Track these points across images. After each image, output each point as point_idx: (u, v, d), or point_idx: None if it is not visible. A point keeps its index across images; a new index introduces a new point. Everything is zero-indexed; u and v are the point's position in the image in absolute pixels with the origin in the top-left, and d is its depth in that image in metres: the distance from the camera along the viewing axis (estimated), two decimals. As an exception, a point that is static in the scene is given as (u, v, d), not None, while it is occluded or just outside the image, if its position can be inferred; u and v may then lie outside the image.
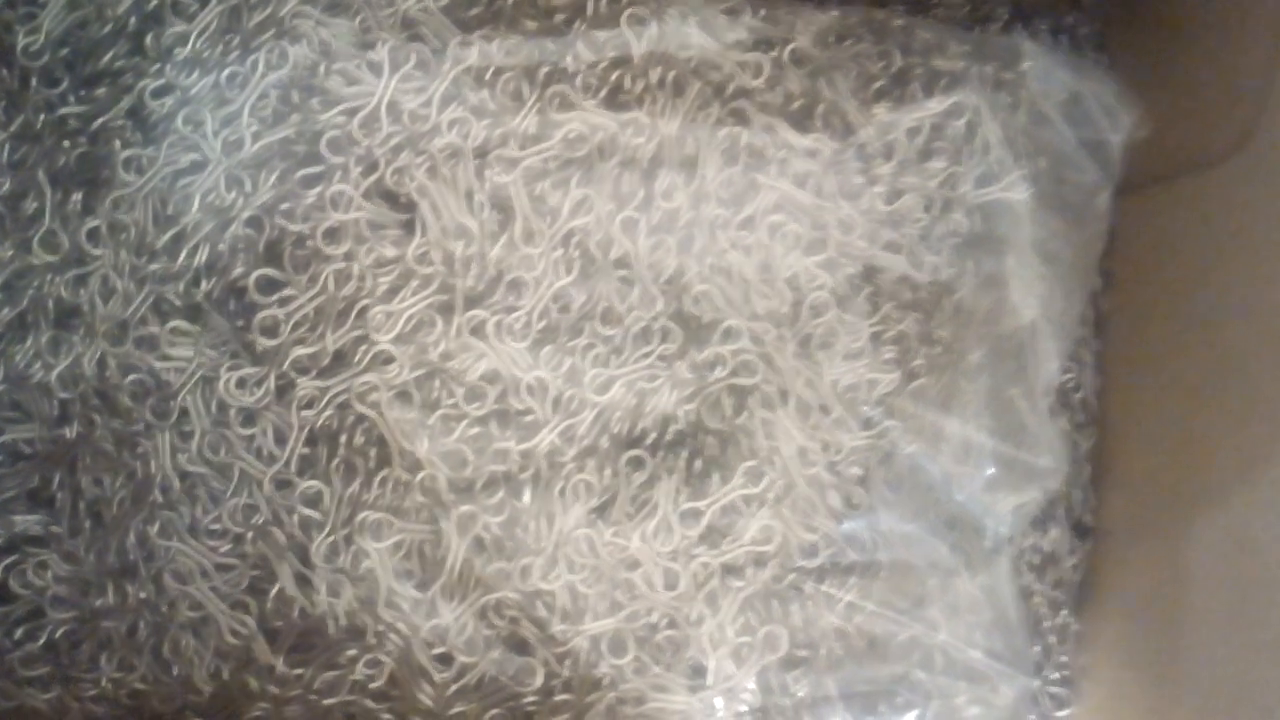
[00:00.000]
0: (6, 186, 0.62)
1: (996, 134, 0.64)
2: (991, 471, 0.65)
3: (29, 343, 0.62)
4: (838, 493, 0.65)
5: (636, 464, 0.62)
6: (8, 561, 0.62)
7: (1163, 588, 0.71)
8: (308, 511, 0.60)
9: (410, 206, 0.62)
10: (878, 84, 0.66)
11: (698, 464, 0.64)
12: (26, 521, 0.63)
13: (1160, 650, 0.69)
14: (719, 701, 0.63)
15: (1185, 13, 0.75)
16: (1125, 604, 0.72)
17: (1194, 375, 0.70)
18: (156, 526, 0.61)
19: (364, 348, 0.60)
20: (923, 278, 0.65)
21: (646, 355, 0.63)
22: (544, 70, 0.63)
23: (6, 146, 0.63)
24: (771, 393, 0.64)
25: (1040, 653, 0.73)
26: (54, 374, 0.62)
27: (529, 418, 0.62)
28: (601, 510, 0.63)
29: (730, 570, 0.64)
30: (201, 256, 0.62)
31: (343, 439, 0.60)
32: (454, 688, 0.61)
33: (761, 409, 0.63)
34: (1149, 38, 0.77)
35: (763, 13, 0.64)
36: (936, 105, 0.64)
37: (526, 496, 0.62)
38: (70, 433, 0.62)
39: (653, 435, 0.63)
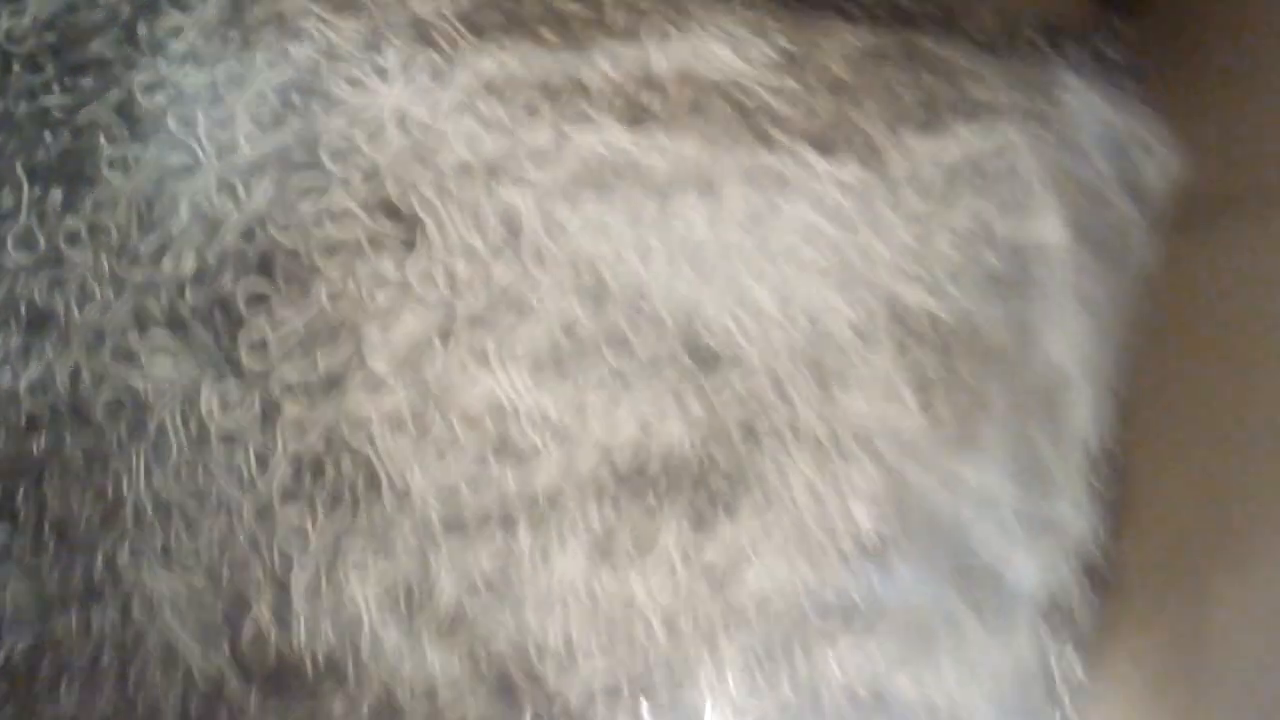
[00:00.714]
0: (-20, 178, 0.56)
1: (1032, 168, 0.61)
2: (1012, 521, 0.60)
3: (-2, 348, 0.55)
4: (849, 536, 0.60)
5: (642, 505, 0.59)
6: (-36, 575, 0.56)
7: (1185, 646, 0.68)
8: (289, 545, 0.57)
9: (414, 222, 0.59)
10: (911, 112, 0.63)
11: (705, 503, 0.61)
12: (-13, 535, 0.56)
13: (1181, 711, 0.65)
14: (717, 755, 0.57)
15: (1227, 40, 0.72)
16: (1144, 662, 0.69)
17: (1225, 426, 0.66)
18: (126, 551, 0.57)
19: (358, 371, 0.58)
20: (949, 316, 0.61)
21: (656, 387, 0.60)
22: (562, 84, 0.60)
23: (-17, 135, 0.57)
24: (785, 430, 0.61)
25: (1054, 710, 0.68)
26: (22, 382, 0.58)
27: (529, 450, 0.59)
28: (602, 550, 0.60)
29: (734, 616, 0.61)
30: (187, 266, 0.59)
31: (330, 468, 0.57)
32: (437, 734, 0.55)
33: (774, 446, 0.60)
34: (1189, 66, 0.73)
35: (795, 33, 0.59)
36: (970, 136, 0.61)
37: (524, 535, 0.59)
38: (37, 445, 0.59)
39: (659, 473, 0.60)
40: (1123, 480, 0.72)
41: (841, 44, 0.63)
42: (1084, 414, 0.64)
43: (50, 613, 0.59)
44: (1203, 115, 0.70)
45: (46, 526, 0.59)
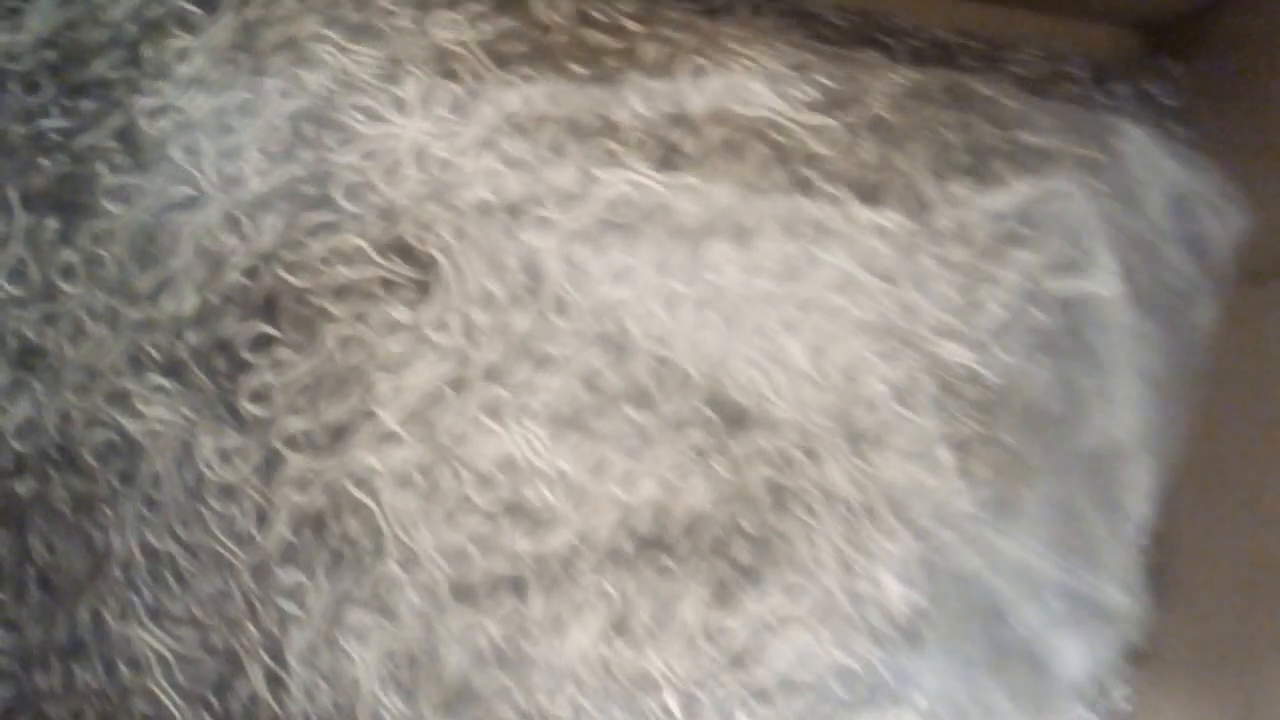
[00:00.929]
0: (-27, 203, 0.54)
1: (1084, 221, 0.58)
2: (1056, 605, 0.57)
3: (-15, 383, 0.53)
4: (878, 609, 0.57)
5: (662, 572, 0.57)
6: (-58, 622, 0.54)
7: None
8: (287, 605, 0.54)
9: (430, 266, 0.56)
10: (958, 158, 0.60)
11: (727, 571, 0.59)
12: (-36, 579, 0.54)
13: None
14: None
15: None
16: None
17: (1274, 502, 0.61)
18: (113, 605, 0.55)
19: (366, 424, 0.55)
20: (992, 375, 0.58)
21: (680, 447, 0.58)
22: (591, 122, 0.57)
23: (-24, 157, 0.54)
24: (814, 493, 0.58)
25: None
26: (10, 421, 0.56)
27: (545, 513, 0.56)
28: (618, 620, 0.57)
29: (758, 697, 0.59)
30: (188, 305, 0.56)
31: (333, 526, 0.55)
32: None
33: (803, 512, 0.58)
34: (1242, 110, 0.71)
35: (835, 71, 0.57)
36: (1020, 185, 0.59)
37: (536, 603, 0.56)
38: (23, 488, 0.57)
39: (680, 537, 0.58)
40: (1169, 554, 0.68)
41: (885, 83, 0.61)
42: (1137, 486, 0.60)
43: (31, 666, 0.57)
44: (1258, 166, 0.66)
45: (31, 576, 0.57)
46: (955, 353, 0.59)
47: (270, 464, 0.55)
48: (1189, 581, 0.70)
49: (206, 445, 0.55)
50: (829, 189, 0.59)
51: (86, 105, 0.58)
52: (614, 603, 0.57)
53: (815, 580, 0.58)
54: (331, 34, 0.57)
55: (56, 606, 0.56)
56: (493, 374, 0.56)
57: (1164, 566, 0.68)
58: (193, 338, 0.56)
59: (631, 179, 0.57)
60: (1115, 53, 0.77)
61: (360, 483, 0.55)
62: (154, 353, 0.56)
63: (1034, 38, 0.72)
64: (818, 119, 0.59)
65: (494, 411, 0.56)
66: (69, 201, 0.57)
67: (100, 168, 0.57)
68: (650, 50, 0.58)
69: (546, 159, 0.57)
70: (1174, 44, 0.77)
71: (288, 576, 0.55)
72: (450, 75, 0.57)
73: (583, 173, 0.57)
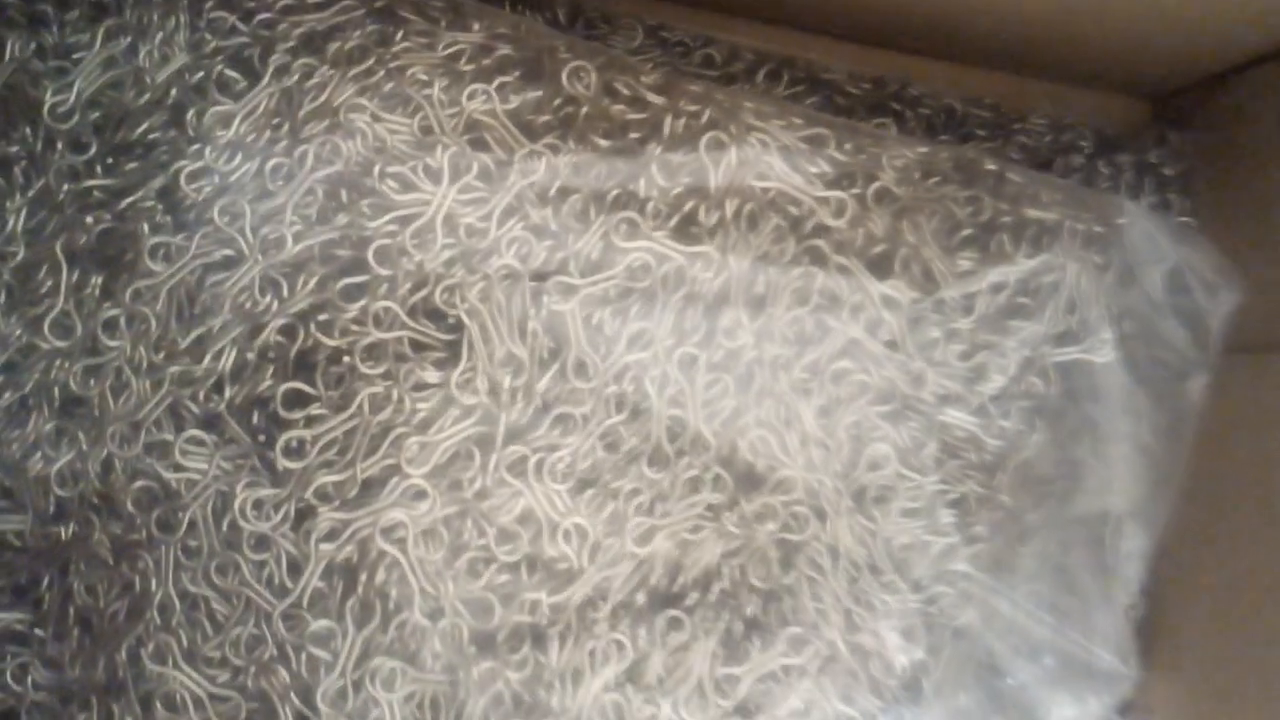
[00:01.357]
0: (20, 256, 0.60)
1: (1085, 294, 0.61)
2: (1050, 662, 0.60)
3: (29, 429, 0.60)
4: (881, 663, 0.60)
5: (674, 624, 0.60)
6: (-13, 659, 0.56)
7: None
8: (317, 651, 0.57)
9: (458, 328, 0.59)
10: (964, 231, 0.63)
11: (738, 625, 0.62)
12: (8, 619, 0.60)
13: None
14: None
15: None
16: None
17: (1267, 570, 0.65)
18: (151, 647, 0.58)
19: (394, 479, 0.58)
20: (993, 441, 0.61)
21: (694, 504, 0.61)
22: (613, 193, 0.60)
23: (23, 212, 0.60)
24: (821, 549, 0.61)
25: None
26: (54, 468, 0.59)
27: (563, 566, 0.59)
28: (632, 672, 0.60)
29: (763, 746, 0.58)
30: (227, 362, 0.59)
31: (362, 576, 0.58)
32: None
33: (810, 567, 0.61)
34: (1238, 187, 0.72)
35: (848, 144, 0.60)
36: (1024, 259, 0.61)
37: (553, 652, 0.59)
38: (65, 532, 0.60)
39: (693, 592, 0.61)
40: (1159, 610, 0.71)
41: (895, 157, 0.63)
42: (1129, 550, 0.63)
43: (71, 704, 0.59)
44: (1248, 239, 0.70)
45: (71, 615, 0.60)
46: (957, 417, 0.62)
47: (303, 516, 0.58)
48: (1177, 637, 0.72)
49: (243, 497, 0.58)
50: (840, 259, 0.62)
51: (130, 166, 0.61)
52: (628, 653, 0.59)
53: (819, 633, 0.62)
54: (367, 103, 0.59)
55: (96, 647, 0.59)
56: (516, 433, 0.59)
57: (1153, 622, 0.70)
58: (230, 393, 0.59)
59: (651, 248, 0.60)
60: (1120, 120, 0.80)
61: (389, 536, 0.57)
62: (193, 406, 0.59)
63: (1041, 106, 0.75)
64: (830, 192, 0.62)
65: (518, 470, 0.58)
66: (112, 258, 0.60)
67: (144, 227, 0.59)
68: (671, 123, 0.61)
69: (571, 227, 0.60)
70: (1177, 114, 0.79)
71: (318, 624, 0.57)
72: (480, 145, 0.60)
73: (605, 241, 0.60)
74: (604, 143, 0.61)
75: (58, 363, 0.59)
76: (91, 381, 0.59)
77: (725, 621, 0.61)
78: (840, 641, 0.62)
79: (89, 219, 0.60)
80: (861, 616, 0.63)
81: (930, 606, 0.63)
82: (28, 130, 0.61)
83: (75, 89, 0.60)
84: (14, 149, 0.60)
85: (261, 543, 0.58)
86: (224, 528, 0.58)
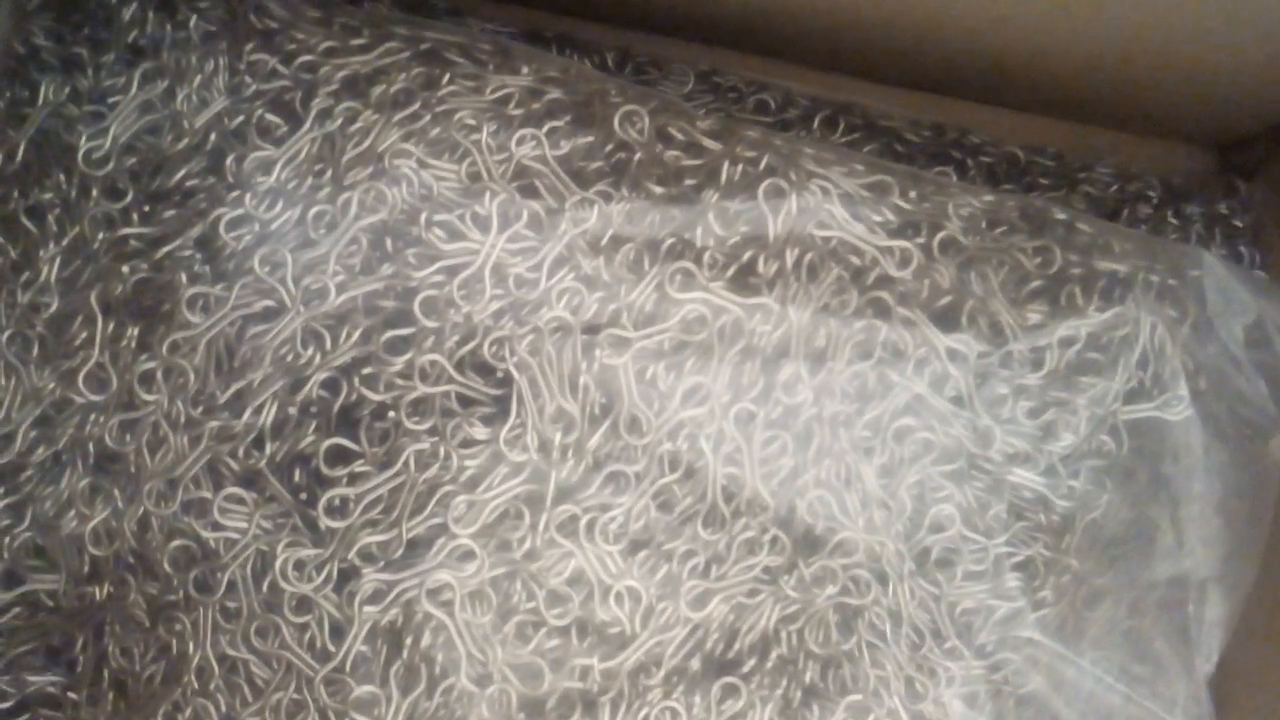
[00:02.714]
0: (53, 307, 0.61)
1: (1159, 348, 0.61)
2: (1122, 730, 0.60)
3: (62, 486, 0.60)
4: (944, 733, 0.59)
5: (729, 691, 0.61)
6: (18, 723, 0.57)
7: None
8: (360, 717, 0.58)
9: (507, 382, 0.60)
10: (1033, 282, 0.63)
11: (797, 693, 0.62)
12: (42, 681, 0.61)
13: None
14: None
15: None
16: None
17: None
18: (188, 712, 0.59)
19: (441, 539, 0.58)
20: (1062, 502, 0.61)
21: (750, 567, 0.61)
22: (668, 241, 0.61)
23: (57, 261, 0.61)
24: (882, 614, 0.62)
25: None
26: (88, 526, 0.60)
27: (615, 630, 0.60)
28: (686, 742, 0.56)
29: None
30: (267, 417, 0.60)
31: (407, 640, 0.58)
32: None
33: (870, 633, 0.61)
34: None
35: (912, 192, 0.60)
36: (1095, 311, 0.61)
37: (605, 720, 0.55)
38: (100, 593, 0.60)
39: (750, 658, 0.62)
40: (1233, 683, 0.71)
41: (961, 205, 0.63)
42: (1207, 617, 0.63)
43: (104, 772, 0.56)
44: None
45: (106, 679, 0.60)
46: (1025, 477, 0.63)
47: (346, 577, 0.58)
48: (1251, 712, 0.71)
49: (283, 556, 0.58)
50: (904, 311, 0.62)
51: (167, 213, 0.61)
52: (683, 723, 0.57)
53: (880, 701, 0.62)
54: (413, 148, 0.60)
55: (131, 711, 0.59)
56: (567, 491, 0.59)
57: (1226, 696, 0.70)
58: (271, 449, 0.59)
59: (708, 299, 0.60)
60: (1186, 170, 0.80)
61: (435, 599, 0.57)
62: (232, 463, 0.59)
63: (1105, 157, 0.75)
64: (894, 242, 0.62)
65: (569, 531, 0.59)
66: (149, 309, 0.61)
67: (181, 276, 0.60)
68: (728, 170, 0.62)
69: (623, 278, 0.60)
70: (1244, 163, 0.80)
71: (361, 689, 0.58)
72: (530, 192, 0.60)
73: (659, 292, 0.60)
74: (658, 190, 0.61)
75: (92, 417, 0.60)
76: (127, 437, 0.59)
77: (783, 689, 0.62)
78: (902, 710, 0.62)
79: (125, 268, 0.61)
80: (924, 684, 0.62)
81: (995, 674, 0.63)
82: (61, 177, 0.61)
83: (110, 134, 0.61)
84: (47, 196, 0.61)
85: (303, 605, 0.58)
86: (264, 589, 0.58)
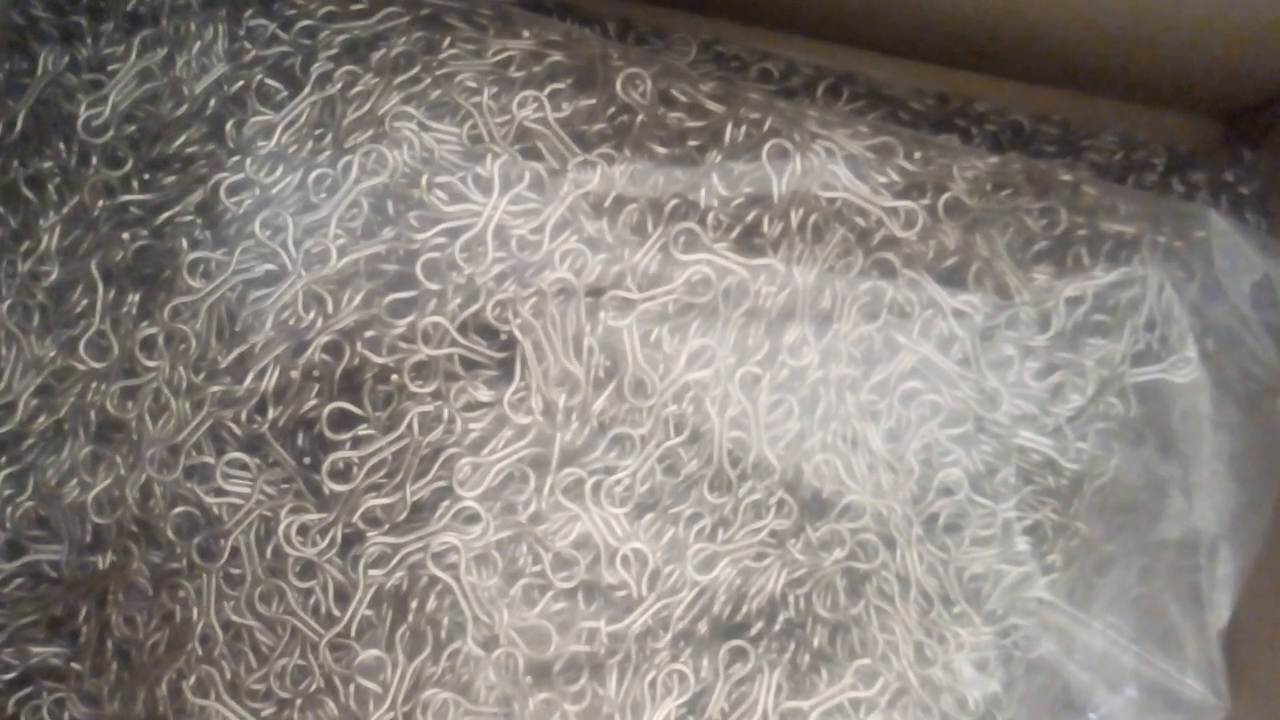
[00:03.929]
0: (54, 275, 0.61)
1: (1166, 309, 0.61)
2: (1133, 694, 0.61)
3: (64, 455, 0.61)
4: (953, 698, 0.61)
5: (737, 655, 0.61)
6: (21, 695, 0.61)
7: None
8: (366, 682, 0.58)
9: (510, 345, 0.60)
10: (1039, 244, 0.64)
11: (804, 657, 0.63)
12: (45, 652, 0.62)
13: None
14: None
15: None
16: None
17: None
18: (192, 679, 0.59)
19: (446, 502, 0.59)
20: (1071, 464, 0.62)
21: (757, 530, 0.62)
22: (671, 203, 0.62)
23: (57, 229, 0.62)
24: (890, 579, 0.63)
25: None
26: (90, 495, 0.61)
27: (621, 594, 0.61)
28: (693, 705, 0.61)
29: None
30: (270, 381, 0.60)
31: (413, 604, 0.59)
32: None
33: (878, 597, 0.62)
34: None
35: (917, 154, 0.61)
36: (1104, 275, 0.61)
37: (612, 684, 0.60)
38: (103, 562, 0.61)
39: (757, 622, 0.62)
40: (1241, 642, 0.72)
41: (968, 167, 0.64)
42: (1218, 576, 0.64)
43: (110, 741, 0.57)
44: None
45: (109, 648, 0.61)
46: (1033, 440, 0.63)
47: (350, 541, 0.59)
48: (1262, 671, 0.72)
49: (287, 521, 0.59)
50: (909, 272, 0.63)
51: (168, 180, 0.62)
52: (689, 684, 0.61)
53: (889, 666, 0.63)
54: (413, 111, 0.61)
55: (136, 680, 0.60)
56: (572, 454, 0.60)
57: (1235, 655, 0.71)
58: (274, 414, 0.60)
59: (712, 260, 0.61)
60: (1191, 139, 0.82)
61: (440, 562, 0.58)
62: (235, 428, 0.60)
63: (1110, 124, 0.77)
64: (899, 203, 0.63)
65: (575, 494, 0.60)
66: (150, 276, 0.62)
67: (182, 242, 0.61)
68: (732, 131, 0.62)
69: (627, 239, 0.61)
70: (1249, 132, 0.81)
71: (367, 653, 0.58)
72: (532, 154, 0.61)
73: (663, 254, 0.61)
74: (661, 151, 0.62)
75: (94, 385, 0.61)
76: (129, 404, 0.60)
77: (791, 653, 0.62)
78: (911, 674, 0.62)
79: (125, 235, 0.62)
80: (933, 649, 0.63)
81: (1005, 638, 0.64)
82: (61, 145, 0.62)
83: (110, 102, 0.62)
84: (47, 165, 0.62)
85: (307, 570, 0.59)
86: (268, 554, 0.59)
